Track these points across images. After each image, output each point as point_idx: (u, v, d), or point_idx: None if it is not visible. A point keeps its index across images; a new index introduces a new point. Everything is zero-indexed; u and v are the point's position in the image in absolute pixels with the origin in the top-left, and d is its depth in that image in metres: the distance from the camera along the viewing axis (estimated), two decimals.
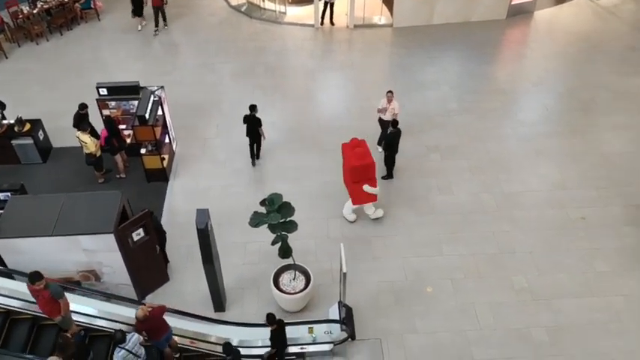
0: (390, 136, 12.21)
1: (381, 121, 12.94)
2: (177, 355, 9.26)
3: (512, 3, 18.38)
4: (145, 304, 8.49)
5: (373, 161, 10.94)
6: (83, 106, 12.65)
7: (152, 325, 8.40)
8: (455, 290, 10.48)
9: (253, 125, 12.83)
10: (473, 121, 14.39)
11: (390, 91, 12.58)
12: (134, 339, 8.13)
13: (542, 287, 10.52)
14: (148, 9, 18.12)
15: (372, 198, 11.20)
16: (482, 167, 13.05)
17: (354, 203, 11.38)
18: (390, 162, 12.60)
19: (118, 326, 8.81)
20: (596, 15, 18.80)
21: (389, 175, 12.77)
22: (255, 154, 13.28)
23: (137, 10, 17.89)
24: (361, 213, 11.86)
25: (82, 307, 9.25)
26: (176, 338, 9.19)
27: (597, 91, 15.36)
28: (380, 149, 13.21)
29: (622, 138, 13.83)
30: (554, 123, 14.35)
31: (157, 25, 18.01)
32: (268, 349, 8.91)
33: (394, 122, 12.11)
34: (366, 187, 10.91)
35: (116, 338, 7.98)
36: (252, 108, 12.74)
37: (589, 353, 9.49)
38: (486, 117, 14.52)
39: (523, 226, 11.68)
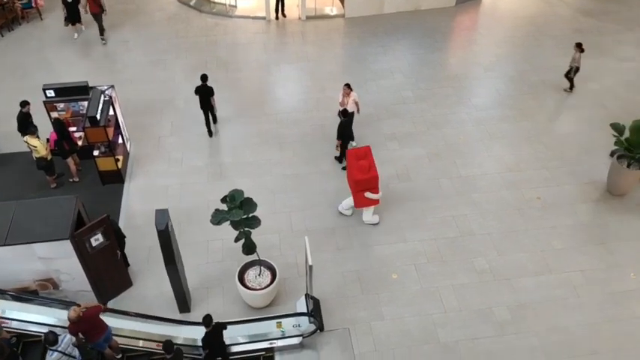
0: (342, 125, 12.27)
1: (341, 114, 12.91)
2: (120, 356, 9.07)
3: None
4: (79, 305, 8.21)
5: (376, 174, 10.94)
6: (25, 103, 12.13)
7: (88, 327, 8.15)
8: (419, 275, 10.63)
9: (206, 96, 13.00)
10: (428, 108, 14.58)
11: (346, 84, 12.58)
12: (66, 340, 7.89)
13: (503, 267, 10.79)
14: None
15: (373, 202, 11.28)
16: (440, 153, 13.25)
17: (356, 207, 11.40)
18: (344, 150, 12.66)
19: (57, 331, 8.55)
20: (542, 0, 19.29)
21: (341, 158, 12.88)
22: (212, 123, 13.68)
23: (72, 17, 16.55)
24: (317, 202, 11.89)
25: (16, 314, 9.07)
26: (140, 342, 9.03)
27: (546, 73, 15.79)
28: (353, 144, 13.26)
29: (571, 118, 14.28)
30: (507, 106, 14.68)
31: (101, 32, 16.86)
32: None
33: (344, 112, 12.13)
34: (368, 194, 11.02)
35: (48, 340, 7.76)
36: (204, 78, 12.98)
37: (550, 328, 9.80)
38: (441, 103, 14.73)
39: (481, 209, 11.94)
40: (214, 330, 8.49)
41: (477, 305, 10.16)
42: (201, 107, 13.19)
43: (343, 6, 18.40)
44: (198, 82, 13.09)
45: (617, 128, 11.69)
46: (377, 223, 11.61)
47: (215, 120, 13.85)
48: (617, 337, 9.67)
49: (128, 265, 10.66)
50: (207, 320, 8.37)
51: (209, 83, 13.06)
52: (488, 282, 10.54)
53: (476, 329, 9.80)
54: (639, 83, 15.43)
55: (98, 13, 16.48)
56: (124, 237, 10.40)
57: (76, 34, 16.82)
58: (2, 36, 17.40)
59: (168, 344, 8.07)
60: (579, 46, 14.50)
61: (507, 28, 17.84)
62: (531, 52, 16.74)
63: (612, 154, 12.70)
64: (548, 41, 17.18)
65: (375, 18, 18.21)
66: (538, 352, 9.48)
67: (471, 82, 15.64)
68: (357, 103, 12.67)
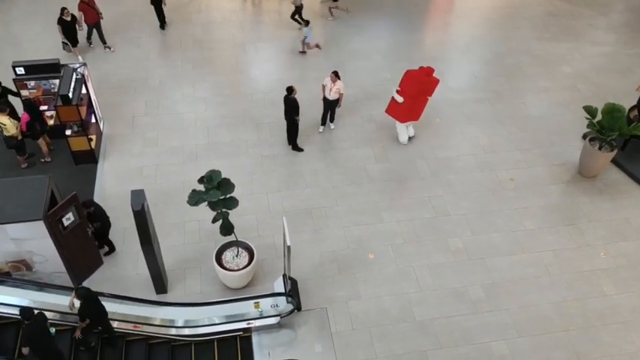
0: (288, 102, 12.15)
1: (325, 100, 12.84)
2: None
3: None
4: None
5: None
6: None
7: None
8: (395, 255, 10.76)
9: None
10: None
11: (334, 72, 12.51)
12: None
13: (477, 247, 10.99)
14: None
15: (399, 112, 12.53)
16: (416, 134, 13.32)
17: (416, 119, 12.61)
18: (293, 131, 12.59)
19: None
20: None
21: (296, 146, 12.80)
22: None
23: (73, 38, 14.76)
24: (294, 183, 11.91)
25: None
26: (116, 323, 9.00)
27: (521, 56, 15.96)
28: (321, 129, 13.21)
29: (543, 101, 14.49)
30: (482, 88, 14.82)
31: (90, 39, 15.46)
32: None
33: (289, 89, 12.05)
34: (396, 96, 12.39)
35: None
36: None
37: (522, 306, 10.05)
38: None
39: (456, 190, 12.09)
40: (91, 297, 8.28)
41: (452, 284, 10.34)
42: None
43: None
44: (176, 64, 12.85)
45: (590, 111, 11.90)
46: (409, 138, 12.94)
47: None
48: (587, 315, 9.96)
49: (114, 249, 10.59)
50: (81, 292, 8.15)
51: None
52: (462, 261, 10.73)
53: (451, 307, 9.99)
54: (611, 67, 15.71)
55: (97, 21, 15.03)
56: (109, 218, 10.25)
57: (79, 57, 14.74)
58: None
59: (26, 310, 7.83)
60: None
61: (483, 10, 17.94)
62: (506, 34, 16.87)
63: (584, 136, 12.96)
64: (524, 23, 17.33)
65: None
66: (511, 329, 9.72)
67: (448, 64, 15.71)
68: (341, 95, 12.62)
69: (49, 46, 15.05)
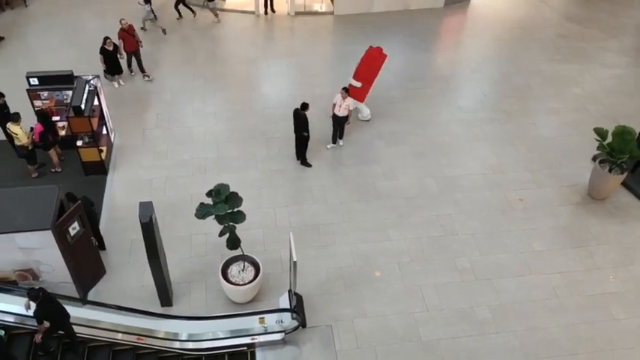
0: (299, 118, 12.25)
1: (334, 117, 12.90)
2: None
3: None
4: None
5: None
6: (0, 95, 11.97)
7: None
8: (402, 274, 10.69)
9: None
10: (415, 107, 14.65)
11: (344, 88, 12.59)
12: None
13: (485, 267, 10.90)
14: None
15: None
16: (425, 152, 13.33)
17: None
18: (303, 146, 12.67)
19: None
20: (528, 3, 19.51)
21: (305, 162, 12.86)
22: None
23: (114, 68, 14.71)
24: (302, 198, 11.92)
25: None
26: (120, 335, 8.97)
27: (531, 77, 15.97)
28: (329, 146, 13.26)
29: (553, 122, 14.45)
30: (492, 108, 14.81)
31: (131, 67, 15.35)
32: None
33: (304, 105, 12.16)
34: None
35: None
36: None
37: (530, 328, 9.92)
38: (427, 103, 14.81)
39: (465, 209, 12.03)
40: (45, 298, 8.16)
41: (459, 304, 10.24)
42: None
43: (332, 3, 18.40)
44: (188, 78, 12.98)
45: (600, 133, 11.85)
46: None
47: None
48: (595, 339, 9.81)
49: (104, 248, 10.67)
50: (33, 293, 8.05)
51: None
52: (470, 281, 10.63)
53: (457, 328, 9.88)
54: (622, 89, 15.68)
55: (136, 49, 14.99)
56: (96, 214, 10.42)
57: (116, 84, 14.95)
58: None
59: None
60: None
61: (494, 31, 18.00)
62: (517, 54, 16.91)
63: (594, 158, 12.88)
64: (534, 45, 17.37)
65: (364, 16, 18.24)
66: (518, 352, 9.59)
67: (457, 83, 15.75)
68: (350, 111, 12.68)
69: (64, 59, 15.26)
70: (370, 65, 13.66)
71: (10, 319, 8.90)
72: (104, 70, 14.60)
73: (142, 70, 15.22)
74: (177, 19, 17.37)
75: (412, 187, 12.48)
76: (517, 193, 12.43)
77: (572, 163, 13.22)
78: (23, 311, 8.54)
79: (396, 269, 10.77)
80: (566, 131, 14.17)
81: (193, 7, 17.80)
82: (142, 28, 16.92)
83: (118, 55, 14.60)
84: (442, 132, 13.92)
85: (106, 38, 14.19)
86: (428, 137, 13.76)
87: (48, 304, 8.23)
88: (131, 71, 15.34)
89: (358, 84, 13.65)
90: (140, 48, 15.00)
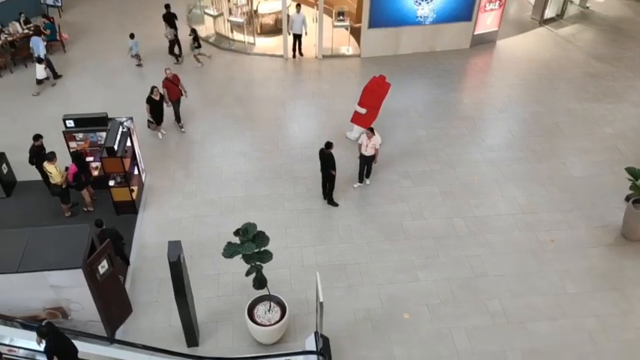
0: (324, 157, 12.33)
1: (361, 156, 12.96)
2: None
3: (476, 33, 18.94)
4: None
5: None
6: (37, 137, 12.39)
7: None
8: (431, 316, 10.48)
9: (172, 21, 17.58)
10: (442, 147, 14.64)
11: (369, 128, 12.69)
12: None
13: (516, 310, 10.61)
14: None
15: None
16: (453, 192, 13.23)
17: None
18: (330, 185, 12.73)
19: None
20: (555, 44, 19.52)
21: (331, 201, 12.88)
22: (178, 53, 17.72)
23: (159, 117, 14.70)
24: (328, 238, 11.88)
25: (25, 342, 9.04)
26: None
27: (559, 116, 15.85)
28: (356, 185, 13.29)
29: (584, 162, 14.24)
30: (520, 148, 14.70)
31: (180, 120, 15.30)
32: None
33: (328, 144, 12.25)
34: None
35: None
36: (168, 6, 17.71)
37: None
38: (455, 143, 14.78)
39: (495, 250, 11.82)
40: (54, 334, 8.17)
41: (490, 348, 9.96)
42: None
43: (359, 46, 18.74)
44: (218, 119, 13.25)
45: (633, 173, 11.63)
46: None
47: (181, 52, 17.97)
48: None
49: (128, 263, 11.16)
50: (42, 330, 8.06)
51: None
52: (501, 325, 10.35)
53: None
54: None
55: (178, 99, 15.04)
56: (122, 238, 10.79)
57: (159, 134, 14.95)
58: (26, 67, 17.86)
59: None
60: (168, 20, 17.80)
61: (521, 71, 18.01)
62: (545, 94, 16.84)
63: (627, 198, 12.60)
64: (562, 84, 17.30)
65: (391, 58, 18.49)
66: None
67: (485, 122, 15.72)
68: (376, 150, 12.75)
69: (100, 101, 15.78)
70: (374, 92, 14.18)
71: (22, 353, 9.01)
72: (148, 120, 14.65)
73: (178, 120, 15.25)
74: (175, 63, 18.03)
75: (440, 227, 12.35)
76: (548, 234, 12.18)
77: (604, 204, 12.95)
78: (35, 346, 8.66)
79: (424, 311, 10.57)
80: (598, 171, 13.93)
81: (201, 54, 18.20)
82: (137, 65, 17.88)
83: (165, 105, 14.62)
84: (471, 171, 13.83)
85: (153, 87, 14.17)
86: (456, 176, 13.68)
87: (57, 340, 8.31)
88: (181, 126, 15.24)
89: (363, 110, 14.13)
90: (184, 97, 15.07)
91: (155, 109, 14.45)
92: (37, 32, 17.56)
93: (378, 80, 14.45)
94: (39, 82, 16.58)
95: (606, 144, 14.84)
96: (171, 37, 17.89)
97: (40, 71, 16.31)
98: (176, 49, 18.13)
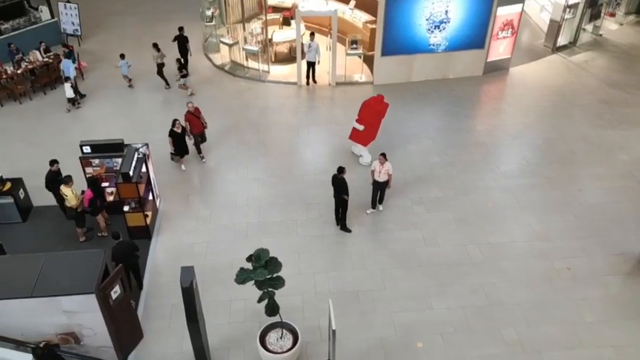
0: (337, 182, 12.33)
1: (375, 183, 12.98)
2: None
3: (488, 60, 19.03)
4: None
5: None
6: (53, 162, 12.59)
7: None
8: (445, 345, 10.31)
9: (183, 44, 18.39)
10: (456, 173, 14.60)
11: (382, 154, 12.74)
12: None
13: (533, 339, 10.42)
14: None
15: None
16: (467, 219, 13.14)
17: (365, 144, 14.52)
18: (343, 211, 12.72)
19: None
20: (568, 70, 19.53)
21: (344, 227, 12.86)
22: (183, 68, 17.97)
23: (182, 149, 14.66)
24: (341, 264, 11.81)
25: None
26: None
27: (574, 143, 15.77)
28: (369, 211, 13.27)
29: (599, 189, 14.10)
30: (535, 174, 14.61)
31: (201, 152, 15.15)
32: None
33: (340, 169, 12.27)
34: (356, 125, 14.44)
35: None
36: (181, 29, 18.35)
37: None
38: (469, 170, 14.74)
39: (510, 278, 11.67)
40: (47, 355, 8.25)
41: None
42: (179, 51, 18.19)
43: (372, 73, 18.90)
44: (232, 145, 13.36)
45: None
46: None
47: (187, 68, 18.26)
48: None
49: (141, 284, 11.47)
50: (37, 351, 8.25)
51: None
52: (517, 354, 10.15)
53: None
54: None
55: (202, 131, 15.00)
56: (138, 250, 11.10)
57: (183, 166, 14.88)
58: (45, 94, 18.25)
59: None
60: (155, 46, 18.15)
61: (534, 98, 18.01)
62: (558, 121, 16.79)
63: None
64: (576, 111, 17.25)
65: (404, 85, 18.60)
66: None
67: (499, 149, 15.68)
68: (389, 176, 12.76)
69: (116, 128, 16.03)
70: (372, 108, 14.44)
71: None
72: (171, 153, 14.72)
73: (200, 152, 15.08)
74: (165, 87, 18.46)
75: (455, 254, 12.24)
76: (564, 262, 12.02)
77: (620, 231, 12.77)
78: None
79: (439, 340, 10.41)
80: (614, 198, 13.78)
81: (186, 85, 18.31)
82: (129, 86, 18.44)
83: (187, 138, 14.59)
84: (485, 198, 13.75)
85: (175, 121, 14.18)
86: (470, 203, 13.60)
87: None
88: (202, 158, 15.13)
89: (361, 127, 14.43)
90: (205, 130, 15.07)
91: (177, 142, 14.42)
92: (68, 55, 18.16)
93: (377, 99, 14.68)
94: (69, 100, 17.32)
95: (621, 171, 14.70)
96: (160, 60, 18.27)
97: (69, 90, 17.08)
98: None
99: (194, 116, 14.70)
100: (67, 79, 17.09)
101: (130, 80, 18.50)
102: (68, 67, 17.57)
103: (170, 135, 14.33)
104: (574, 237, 12.65)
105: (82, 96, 17.90)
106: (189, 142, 14.82)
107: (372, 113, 14.39)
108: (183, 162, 14.85)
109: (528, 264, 11.99)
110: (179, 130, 14.28)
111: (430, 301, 11.17)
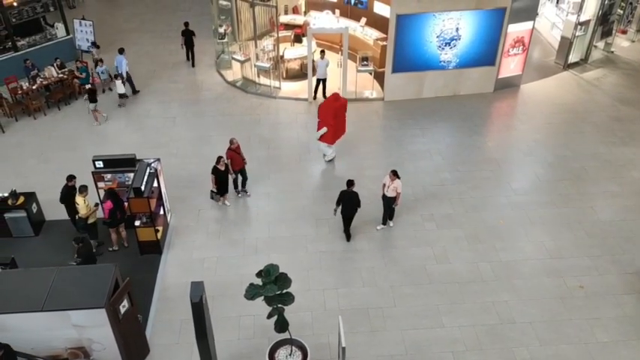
0: (348, 196, 12.41)
1: (384, 197, 12.97)
2: None
3: (499, 77, 19.03)
4: None
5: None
6: (71, 177, 12.68)
7: None
8: None
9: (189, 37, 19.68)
10: (467, 190, 14.53)
11: (393, 171, 12.73)
12: None
13: (545, 358, 10.26)
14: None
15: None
16: (478, 236, 13.05)
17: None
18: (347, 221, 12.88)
19: None
20: (580, 87, 19.47)
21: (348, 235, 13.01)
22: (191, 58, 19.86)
23: (223, 188, 14.02)
24: (351, 281, 11.73)
25: None
26: None
27: (586, 160, 15.66)
28: (379, 227, 13.26)
29: (612, 206, 13.97)
30: (547, 192, 14.51)
31: (238, 187, 14.57)
32: None
33: (349, 182, 12.35)
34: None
35: None
36: (187, 24, 19.67)
37: None
38: (480, 186, 14.68)
39: (522, 296, 11.54)
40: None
41: None
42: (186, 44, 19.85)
43: (383, 90, 18.96)
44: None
45: None
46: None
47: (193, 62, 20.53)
48: None
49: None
50: None
51: None
52: None
53: None
54: None
55: (243, 168, 14.30)
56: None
57: (222, 203, 14.22)
58: (59, 109, 18.47)
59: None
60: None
61: (545, 115, 17.95)
62: (571, 138, 16.70)
63: None
64: (588, 128, 17.16)
65: (414, 102, 18.63)
66: None
67: (510, 166, 15.61)
68: (398, 194, 12.74)
69: (128, 143, 16.17)
70: (331, 106, 14.79)
71: None
72: (212, 191, 14.05)
73: (243, 186, 14.57)
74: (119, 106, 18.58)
75: (466, 271, 12.14)
76: (577, 280, 11.87)
77: (635, 249, 12.62)
78: None
79: (450, 359, 10.29)
80: (627, 215, 13.63)
81: (97, 111, 17.64)
82: (119, 106, 18.47)
83: (230, 175, 14.02)
84: (496, 215, 13.67)
85: (220, 158, 13.49)
86: (481, 220, 13.52)
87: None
88: (237, 192, 14.51)
89: (324, 130, 14.96)
90: (245, 165, 14.38)
91: (220, 180, 13.79)
92: (121, 51, 18.91)
93: (333, 97, 15.11)
94: (120, 95, 18.33)
95: (635, 188, 14.56)
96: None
97: (120, 86, 18.12)
98: (120, 89, 18.32)
99: (236, 153, 13.99)
100: (117, 76, 18.16)
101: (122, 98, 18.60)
102: (121, 63, 18.51)
103: (213, 172, 13.62)
104: (587, 255, 12.51)
105: (136, 92, 19.04)
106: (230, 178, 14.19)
107: (331, 112, 14.72)
108: (223, 200, 14.20)
109: (540, 282, 11.86)
110: (222, 168, 13.56)
111: (441, 319, 11.06)
